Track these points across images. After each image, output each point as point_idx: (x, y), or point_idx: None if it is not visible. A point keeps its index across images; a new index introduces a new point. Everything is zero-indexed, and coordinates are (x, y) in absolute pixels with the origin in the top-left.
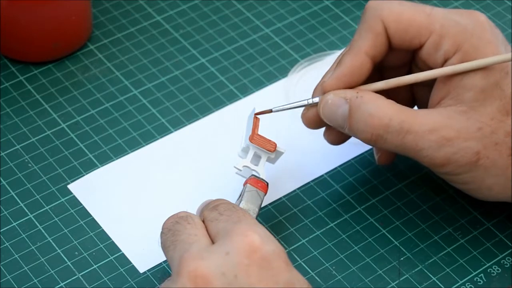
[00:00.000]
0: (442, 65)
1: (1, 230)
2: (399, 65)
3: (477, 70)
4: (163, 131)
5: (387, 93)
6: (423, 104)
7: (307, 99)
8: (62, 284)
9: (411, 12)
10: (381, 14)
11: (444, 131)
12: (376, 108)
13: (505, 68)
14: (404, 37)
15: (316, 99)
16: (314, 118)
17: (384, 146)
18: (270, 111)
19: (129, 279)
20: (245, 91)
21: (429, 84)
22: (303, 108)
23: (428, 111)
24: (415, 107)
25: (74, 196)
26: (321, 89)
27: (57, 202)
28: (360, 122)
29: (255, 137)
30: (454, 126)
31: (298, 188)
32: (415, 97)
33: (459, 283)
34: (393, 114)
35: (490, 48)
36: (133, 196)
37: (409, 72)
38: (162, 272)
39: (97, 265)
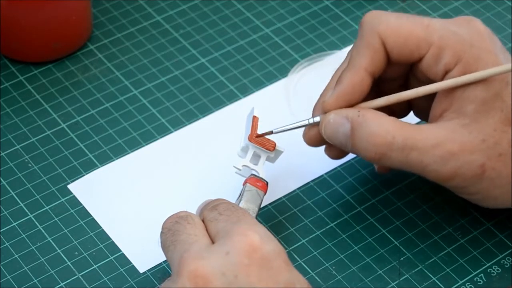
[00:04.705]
0: (443, 77)
1: (1, 230)
2: (396, 77)
3: (478, 82)
4: (163, 131)
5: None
6: (420, 111)
7: (308, 119)
8: (62, 284)
9: (408, 25)
10: (378, 28)
11: (448, 145)
12: (378, 126)
13: (505, 78)
14: (403, 51)
15: (317, 119)
16: (316, 137)
17: (388, 163)
18: (271, 132)
19: (129, 279)
20: (245, 91)
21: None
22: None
23: (430, 126)
24: (411, 112)
25: (74, 196)
26: (321, 108)
27: (57, 202)
28: (363, 141)
29: (254, 137)
30: (457, 140)
31: (298, 188)
32: (411, 104)
33: (459, 283)
34: (396, 132)
35: (490, 57)
36: (133, 196)
37: (407, 82)
38: (162, 272)
39: (97, 265)
